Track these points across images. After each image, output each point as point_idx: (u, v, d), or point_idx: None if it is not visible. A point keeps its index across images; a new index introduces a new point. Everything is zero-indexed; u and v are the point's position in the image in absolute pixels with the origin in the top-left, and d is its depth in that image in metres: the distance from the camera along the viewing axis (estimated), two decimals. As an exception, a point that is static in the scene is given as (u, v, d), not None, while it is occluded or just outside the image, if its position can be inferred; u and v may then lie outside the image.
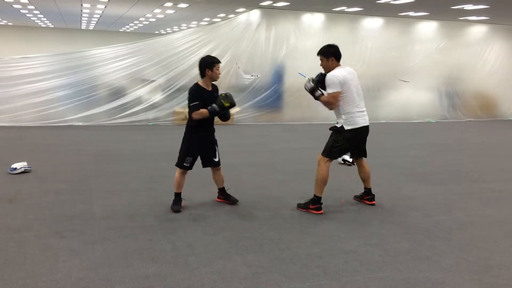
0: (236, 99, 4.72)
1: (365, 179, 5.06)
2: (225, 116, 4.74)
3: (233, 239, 4.00)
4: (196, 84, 4.64)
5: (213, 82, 4.72)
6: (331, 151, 4.74)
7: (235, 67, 11.53)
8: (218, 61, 4.63)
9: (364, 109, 4.75)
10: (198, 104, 4.52)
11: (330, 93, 4.59)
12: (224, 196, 5.05)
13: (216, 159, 4.87)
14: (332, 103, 4.62)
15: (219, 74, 4.64)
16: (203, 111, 4.52)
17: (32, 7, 16.63)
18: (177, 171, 4.77)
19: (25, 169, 6.03)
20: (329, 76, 4.59)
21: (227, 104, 4.53)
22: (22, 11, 17.97)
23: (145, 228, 4.21)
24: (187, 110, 4.68)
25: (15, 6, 16.13)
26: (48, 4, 15.56)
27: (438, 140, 10.12)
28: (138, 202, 4.98)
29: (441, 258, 3.73)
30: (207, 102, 4.55)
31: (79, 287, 3.07)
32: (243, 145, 8.83)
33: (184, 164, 4.68)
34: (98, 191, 5.32)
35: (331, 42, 4.80)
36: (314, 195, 4.78)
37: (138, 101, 10.87)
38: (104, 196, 5.16)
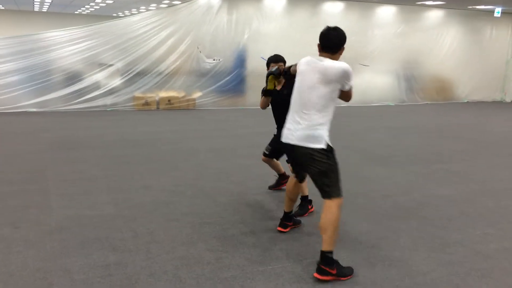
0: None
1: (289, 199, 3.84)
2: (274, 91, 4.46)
3: (195, 225, 3.97)
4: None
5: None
6: None
7: (196, 51, 11.34)
8: (276, 60, 4.46)
9: (294, 120, 3.27)
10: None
11: None
12: (275, 185, 5.05)
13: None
14: None
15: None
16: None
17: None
18: None
19: (-25, 158, 5.76)
20: None
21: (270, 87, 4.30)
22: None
23: (104, 216, 4.10)
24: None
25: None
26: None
27: (397, 123, 10.37)
28: (96, 190, 4.85)
29: (399, 237, 3.84)
30: (273, 99, 4.62)
31: (36, 278, 2.97)
32: (205, 130, 8.75)
33: (264, 151, 4.79)
34: (54, 180, 5.14)
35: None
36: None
37: (95, 86, 10.54)
38: (61, 185, 4.99)
